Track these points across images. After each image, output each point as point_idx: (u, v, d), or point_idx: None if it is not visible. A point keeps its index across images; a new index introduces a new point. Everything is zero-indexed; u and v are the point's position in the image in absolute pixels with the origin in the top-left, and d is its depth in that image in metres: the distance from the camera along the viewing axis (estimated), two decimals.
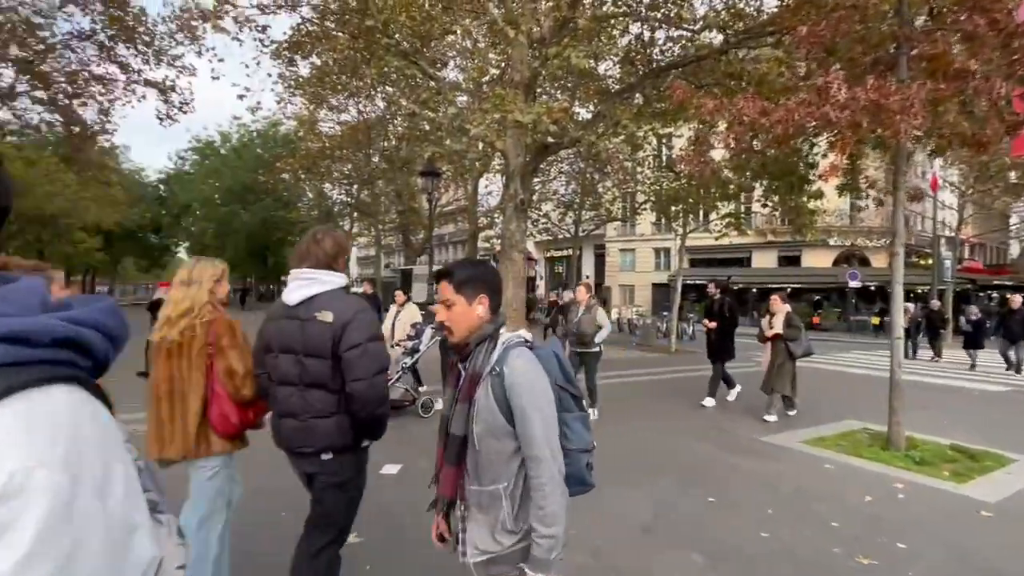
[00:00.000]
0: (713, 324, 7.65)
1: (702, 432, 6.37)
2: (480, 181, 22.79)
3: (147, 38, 15.23)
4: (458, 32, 11.87)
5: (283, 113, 24.28)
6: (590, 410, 6.39)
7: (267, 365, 2.25)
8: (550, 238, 22.08)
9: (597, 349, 6.65)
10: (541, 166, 16.40)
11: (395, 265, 37.27)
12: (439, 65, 14.63)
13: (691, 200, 13.82)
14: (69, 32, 15.28)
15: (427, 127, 14.41)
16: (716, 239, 14.78)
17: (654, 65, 11.15)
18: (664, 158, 17.13)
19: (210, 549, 2.44)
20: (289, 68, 13.95)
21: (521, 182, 10.75)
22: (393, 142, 21.36)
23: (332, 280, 2.15)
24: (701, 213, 15.96)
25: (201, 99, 28.92)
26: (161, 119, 16.91)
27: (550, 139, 9.73)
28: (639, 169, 17.38)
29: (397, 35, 10.35)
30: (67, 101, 16.23)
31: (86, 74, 15.92)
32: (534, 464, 1.48)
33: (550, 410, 1.53)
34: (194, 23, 11.23)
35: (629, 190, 19.15)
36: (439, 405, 6.76)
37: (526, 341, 1.63)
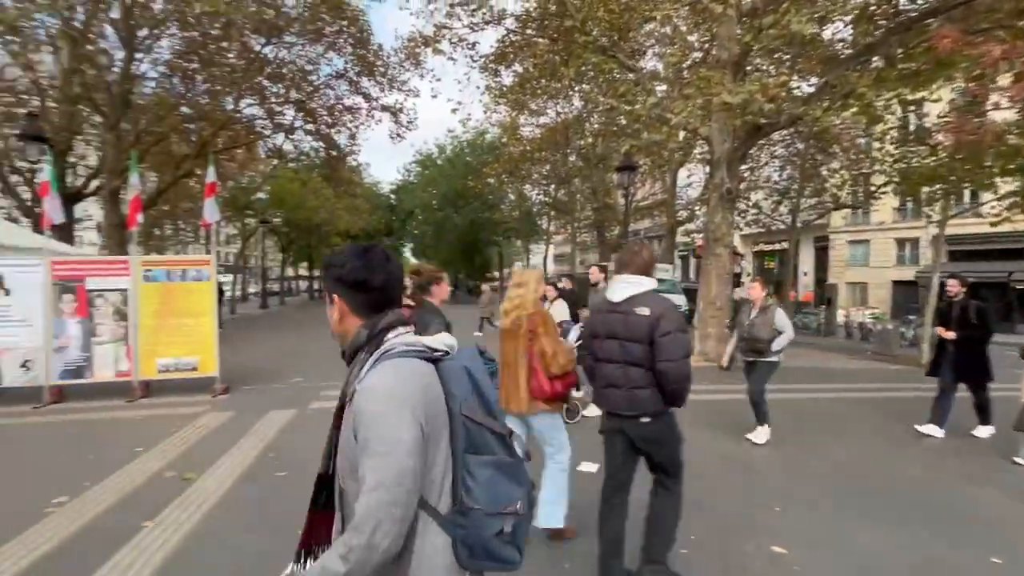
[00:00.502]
0: (951, 333, 5.86)
1: (938, 464, 5.05)
2: (680, 172, 21.62)
3: (383, 69, 17.76)
4: (658, 18, 11.35)
5: (489, 122, 26.23)
6: (758, 429, 5.56)
7: (593, 347, 2.86)
8: (760, 230, 19.91)
9: (774, 359, 5.46)
10: (751, 151, 14.86)
11: (590, 262, 37.59)
12: (637, 56, 14.22)
13: (954, 178, 11.09)
14: (329, 74, 18.67)
15: (624, 121, 14.12)
16: (993, 225, 11.59)
17: (901, 18, 9.21)
18: (914, 129, 14.08)
19: (552, 474, 3.25)
20: (494, 79, 14.94)
21: (727, 170, 9.85)
22: (589, 140, 21.49)
23: (648, 283, 2.77)
24: (967, 193, 12.72)
25: (423, 118, 32.71)
26: (393, 138, 19.65)
27: (763, 120, 8.70)
28: (876, 146, 14.59)
29: (595, 31, 10.30)
30: (327, 130, 19.84)
31: (340, 106, 19.28)
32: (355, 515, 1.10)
33: (399, 450, 1.10)
34: (417, 50, 12.69)
35: (862, 171, 16.24)
36: (592, 411, 6.06)
37: (427, 349, 1.25)
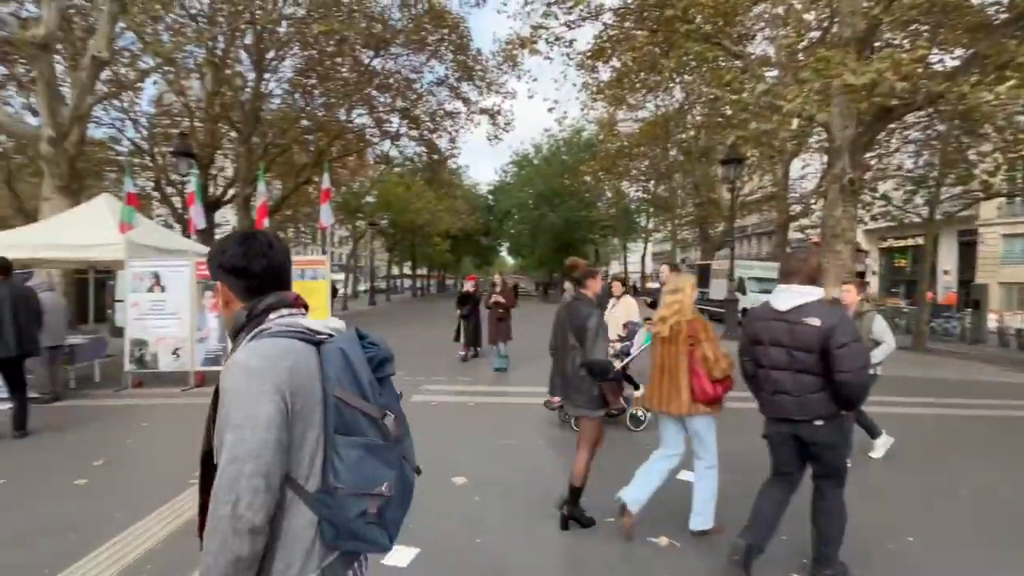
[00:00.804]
0: None
1: None
2: (793, 163, 20.02)
3: (481, 73, 18.22)
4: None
5: (585, 119, 25.96)
6: (875, 443, 5.20)
7: (755, 353, 2.94)
8: (890, 224, 17.86)
9: (871, 372, 4.83)
10: (879, 136, 13.39)
11: (691, 260, 35.99)
12: (744, 42, 13.36)
13: None
14: (431, 82, 19.55)
15: (730, 111, 13.33)
16: None
17: None
18: None
19: (703, 476, 3.40)
20: (591, 76, 14.74)
21: (850, 159, 8.95)
22: (691, 133, 20.55)
23: (815, 293, 2.80)
24: None
25: (519, 119, 33.03)
26: (490, 140, 20.13)
27: (894, 101, 7.78)
28: None
29: (698, 18, 9.81)
30: (429, 135, 20.74)
31: (441, 111, 20.07)
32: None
33: (258, 423, 1.11)
34: (515, 51, 12.84)
35: (1022, 154, 14.01)
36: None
37: (307, 331, 1.24)
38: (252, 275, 1.33)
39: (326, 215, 8.29)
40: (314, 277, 8.21)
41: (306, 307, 1.42)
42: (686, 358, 3.28)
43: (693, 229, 28.25)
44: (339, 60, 18.40)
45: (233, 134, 20.28)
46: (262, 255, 1.34)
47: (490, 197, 49.77)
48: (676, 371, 3.31)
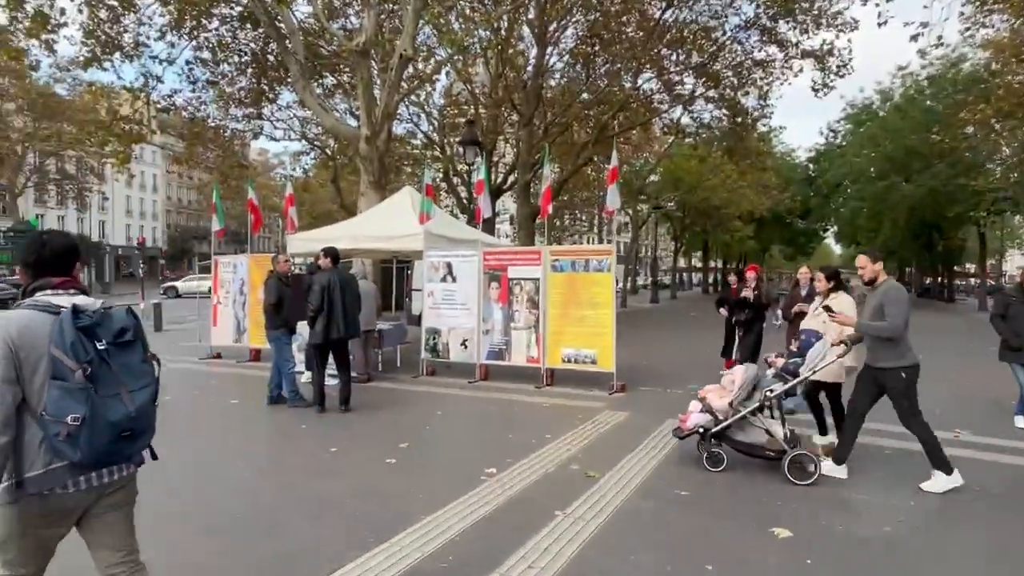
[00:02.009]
0: None
1: None
2: None
3: (806, 4, 16.46)
4: None
5: (969, 44, 21.18)
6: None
7: None
8: None
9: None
10: None
11: None
12: None
13: None
14: (736, 26, 18.48)
15: None
16: None
17: None
18: None
19: None
20: None
21: None
22: None
23: None
24: None
25: (859, 58, 28.64)
26: (816, 90, 18.00)
27: None
28: None
29: None
30: (732, 94, 19.70)
31: (748, 62, 18.85)
32: None
33: None
34: None
35: None
36: (830, 468, 5.08)
37: (51, 305, 2.12)
38: (29, 265, 2.18)
39: (613, 198, 8.56)
40: (599, 268, 8.59)
41: (81, 290, 2.21)
42: None
43: None
44: (624, 20, 18.90)
45: (514, 118, 22.76)
46: (35, 251, 2.18)
47: (811, 167, 44.92)
48: None
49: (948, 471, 4.81)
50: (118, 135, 14.51)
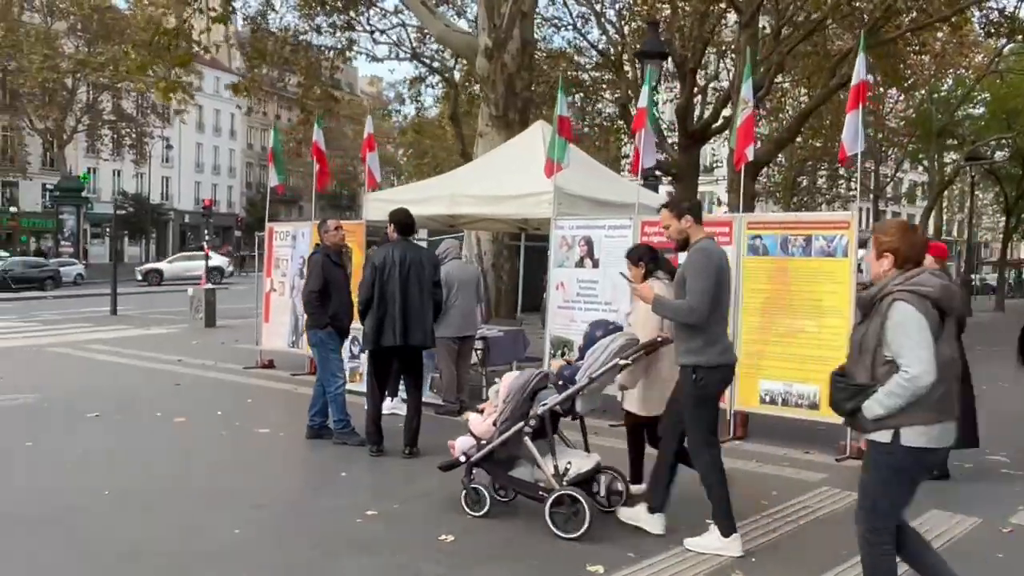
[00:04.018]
0: None
1: None
2: None
3: None
4: None
5: None
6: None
7: None
8: None
9: None
10: None
11: None
12: None
13: None
14: None
15: None
16: None
17: None
18: None
19: None
20: None
21: None
22: None
23: None
24: None
25: None
26: None
27: None
28: None
29: None
30: None
31: None
32: None
33: None
34: None
35: None
36: (638, 517, 5.51)
37: None
38: None
39: (851, 133, 7.86)
40: (828, 251, 7.87)
41: None
42: None
43: None
44: None
45: (732, 20, 21.82)
46: None
47: None
48: None
49: (726, 531, 5.06)
50: (159, 56, 15.97)
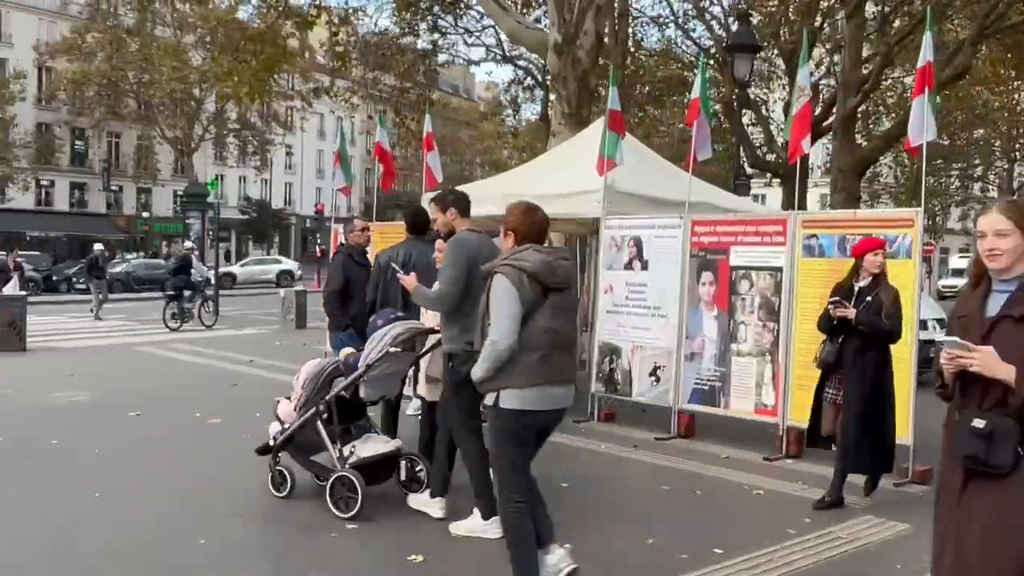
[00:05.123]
0: None
1: None
2: None
3: None
4: None
5: None
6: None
7: None
8: None
9: None
10: None
11: None
12: None
13: None
14: None
15: None
16: None
17: None
18: None
19: None
20: None
21: None
22: None
23: None
24: None
25: None
26: None
27: None
28: None
29: None
30: None
31: None
32: None
33: None
34: None
35: None
36: (419, 501, 5.94)
37: None
38: None
39: (917, 121, 7.13)
40: (890, 253, 7.13)
41: None
42: None
43: None
44: None
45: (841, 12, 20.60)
46: None
47: None
48: None
49: (486, 514, 5.16)
50: (245, 60, 16.27)
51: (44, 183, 51.28)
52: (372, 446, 5.99)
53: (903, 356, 7.10)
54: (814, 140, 22.97)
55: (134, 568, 4.86)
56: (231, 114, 51.05)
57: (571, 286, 4.61)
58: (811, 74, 7.98)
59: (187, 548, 5.16)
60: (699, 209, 9.04)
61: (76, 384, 10.92)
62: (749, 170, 22.87)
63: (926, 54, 7.29)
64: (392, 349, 5.64)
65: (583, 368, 10.45)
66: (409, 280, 5.63)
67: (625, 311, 9.06)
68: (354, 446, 5.89)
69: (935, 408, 8.30)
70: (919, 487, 7.00)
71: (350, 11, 18.87)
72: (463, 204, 5.75)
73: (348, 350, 6.21)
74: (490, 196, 10.09)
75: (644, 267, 8.91)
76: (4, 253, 24.17)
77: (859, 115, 18.58)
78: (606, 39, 14.88)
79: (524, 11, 20.33)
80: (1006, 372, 2.72)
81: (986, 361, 2.76)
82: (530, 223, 4.34)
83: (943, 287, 39.77)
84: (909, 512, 6.30)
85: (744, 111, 24.36)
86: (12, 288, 17.70)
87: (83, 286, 32.49)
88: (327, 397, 5.82)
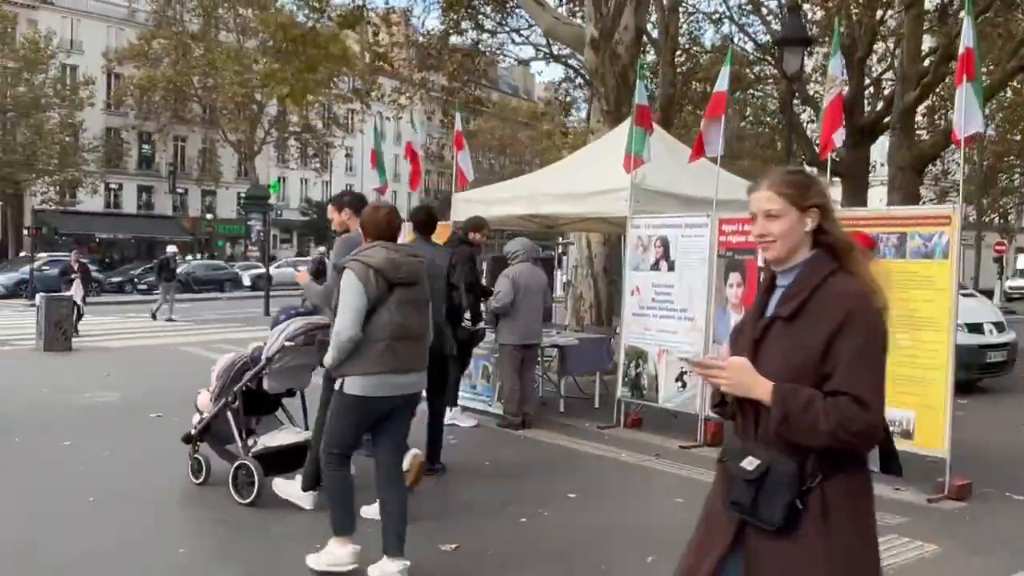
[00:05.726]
0: None
1: None
2: None
3: None
4: None
5: None
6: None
7: None
8: None
9: None
10: None
11: None
12: None
13: None
14: None
15: None
16: None
17: None
18: None
19: None
20: None
21: None
22: None
23: None
24: None
25: None
26: None
27: None
28: None
29: None
30: None
31: None
32: None
33: None
34: None
35: None
36: (287, 489, 6.04)
37: None
38: None
39: (961, 114, 6.69)
40: (925, 253, 6.72)
41: None
42: None
43: None
44: None
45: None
46: None
47: None
48: None
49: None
50: (288, 61, 16.35)
51: (113, 186, 52.49)
52: (283, 436, 6.25)
53: (938, 363, 6.71)
54: (876, 136, 22.35)
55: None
56: (292, 117, 51.84)
57: (419, 281, 4.78)
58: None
59: (165, 555, 5.06)
60: (730, 207, 8.68)
61: (110, 384, 11.01)
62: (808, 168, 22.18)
63: (966, 40, 6.84)
64: (287, 343, 5.83)
65: (613, 372, 10.22)
66: (301, 276, 6.18)
67: (651, 313, 8.73)
68: (258, 436, 6.21)
69: (976, 416, 7.98)
70: (955, 503, 6.59)
71: (391, 11, 18.80)
72: (356, 204, 5.98)
73: (256, 344, 6.41)
74: (520, 196, 9.91)
75: (671, 268, 8.57)
76: (76, 252, 24.65)
77: (924, 111, 17.87)
78: (654, 34, 14.54)
79: (571, 5, 20.08)
80: (762, 390, 2.18)
81: (736, 377, 2.22)
82: (375, 221, 4.67)
83: (1010, 288, 38.31)
84: (940, 532, 5.98)
85: (804, 107, 23.74)
86: (76, 289, 17.99)
87: (144, 286, 33.31)
88: (235, 388, 6.05)
